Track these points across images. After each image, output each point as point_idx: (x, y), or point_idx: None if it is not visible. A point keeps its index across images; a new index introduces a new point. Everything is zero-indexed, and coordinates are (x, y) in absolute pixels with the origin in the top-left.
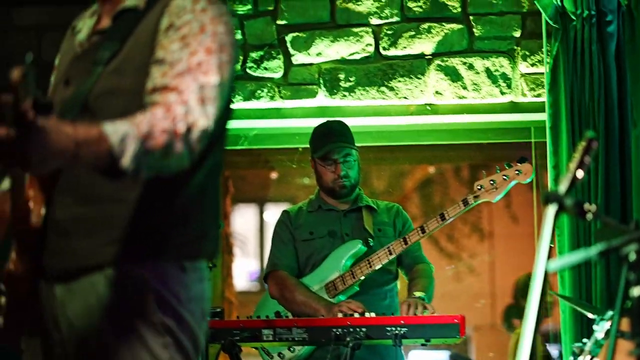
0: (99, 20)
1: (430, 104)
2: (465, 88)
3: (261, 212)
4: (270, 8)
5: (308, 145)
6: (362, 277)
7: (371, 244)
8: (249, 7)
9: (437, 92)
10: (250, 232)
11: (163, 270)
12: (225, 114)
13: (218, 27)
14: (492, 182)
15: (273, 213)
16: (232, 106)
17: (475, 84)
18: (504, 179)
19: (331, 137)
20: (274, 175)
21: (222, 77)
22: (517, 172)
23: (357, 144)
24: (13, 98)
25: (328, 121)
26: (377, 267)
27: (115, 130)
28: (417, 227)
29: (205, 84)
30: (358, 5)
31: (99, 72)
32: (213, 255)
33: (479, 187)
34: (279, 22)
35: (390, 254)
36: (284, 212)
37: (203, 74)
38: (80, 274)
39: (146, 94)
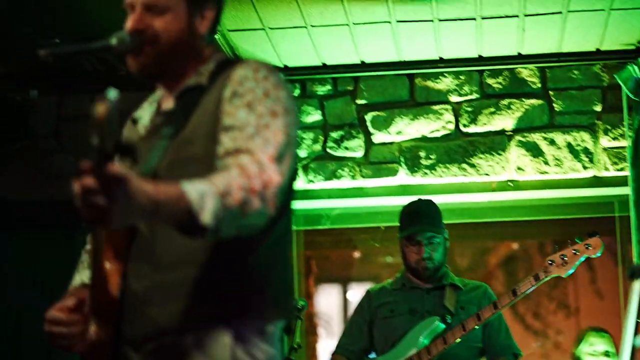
0: (160, 104)
1: (512, 180)
2: (547, 163)
3: (345, 292)
4: (350, 88)
5: (391, 224)
6: (438, 355)
7: (449, 321)
8: (329, 87)
9: (518, 168)
10: (334, 312)
11: (242, 334)
12: (292, 176)
13: (280, 93)
14: (562, 257)
15: (357, 292)
16: (297, 171)
17: (557, 159)
18: (574, 253)
19: (418, 218)
20: (357, 254)
21: (289, 137)
22: (586, 246)
23: None
24: (97, 139)
25: (417, 200)
26: (452, 343)
27: (194, 188)
28: (490, 303)
29: (275, 143)
30: (437, 82)
31: (165, 145)
32: (288, 316)
33: (550, 262)
34: (359, 101)
35: (464, 330)
36: (366, 292)
37: (272, 135)
38: (161, 340)
39: (218, 159)
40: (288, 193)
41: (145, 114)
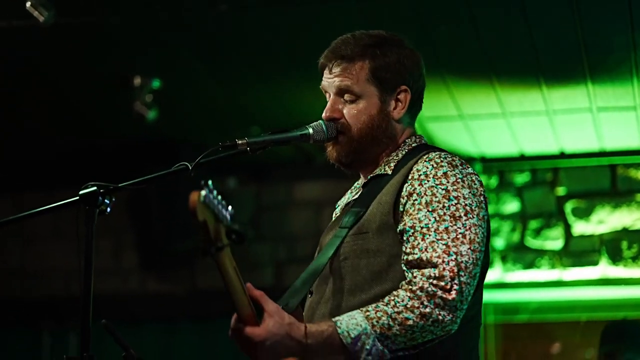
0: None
1: None
2: None
3: None
4: (549, 177)
5: (591, 316)
6: None
7: None
8: (527, 177)
9: None
10: None
11: None
12: (483, 270)
13: (463, 191)
14: None
15: None
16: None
17: None
18: None
19: (621, 338)
20: (555, 348)
21: (472, 242)
22: None
23: None
24: (201, 230)
25: (623, 319)
26: None
27: (348, 329)
28: None
29: (456, 252)
30: None
31: (342, 236)
32: None
33: None
34: (558, 191)
35: None
36: None
37: (453, 243)
38: None
39: (403, 264)
40: (477, 287)
41: (344, 202)
